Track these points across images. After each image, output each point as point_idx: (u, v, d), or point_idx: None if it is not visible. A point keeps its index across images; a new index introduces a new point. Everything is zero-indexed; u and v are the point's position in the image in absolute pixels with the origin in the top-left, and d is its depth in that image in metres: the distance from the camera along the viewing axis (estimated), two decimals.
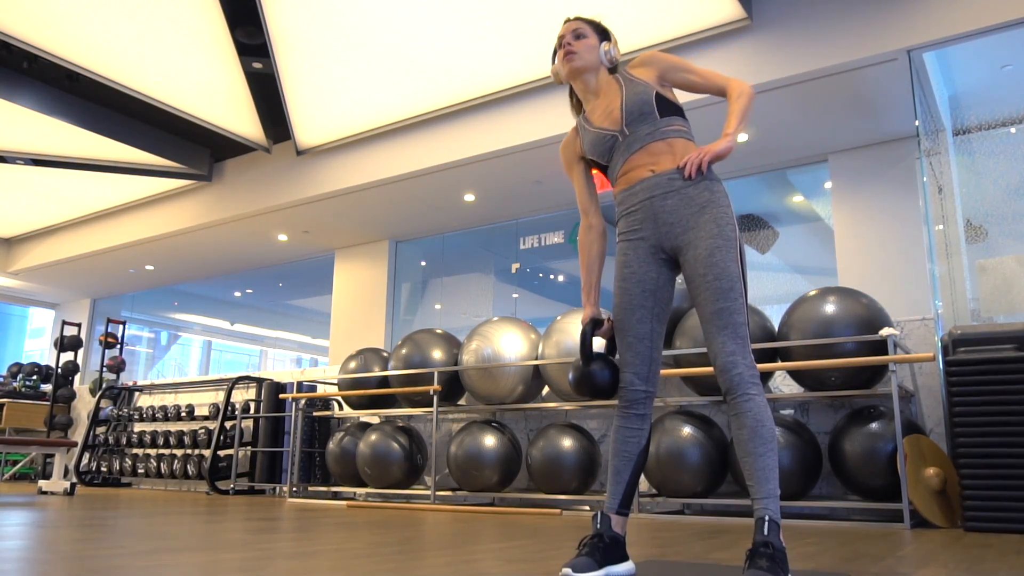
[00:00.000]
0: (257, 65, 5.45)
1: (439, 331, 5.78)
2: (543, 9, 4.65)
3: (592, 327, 2.07)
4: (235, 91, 5.80)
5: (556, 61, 2.20)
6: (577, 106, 2.27)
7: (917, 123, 4.45)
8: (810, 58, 4.35)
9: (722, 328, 1.86)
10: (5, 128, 6.25)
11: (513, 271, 7.11)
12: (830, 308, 4.13)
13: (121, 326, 9.07)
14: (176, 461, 7.20)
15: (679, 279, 2.07)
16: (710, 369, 4.03)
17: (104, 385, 8.75)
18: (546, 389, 5.50)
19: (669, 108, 2.05)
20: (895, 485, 3.81)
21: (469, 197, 6.45)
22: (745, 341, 1.86)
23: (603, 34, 2.18)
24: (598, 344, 2.09)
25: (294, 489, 6.16)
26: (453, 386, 5.52)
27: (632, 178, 2.04)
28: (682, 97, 3.98)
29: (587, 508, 4.93)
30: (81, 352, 9.93)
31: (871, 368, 4.01)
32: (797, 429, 4.17)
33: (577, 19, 2.20)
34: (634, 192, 2.03)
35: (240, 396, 7.50)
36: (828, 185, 5.45)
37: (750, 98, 2.01)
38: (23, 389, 9.28)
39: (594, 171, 2.24)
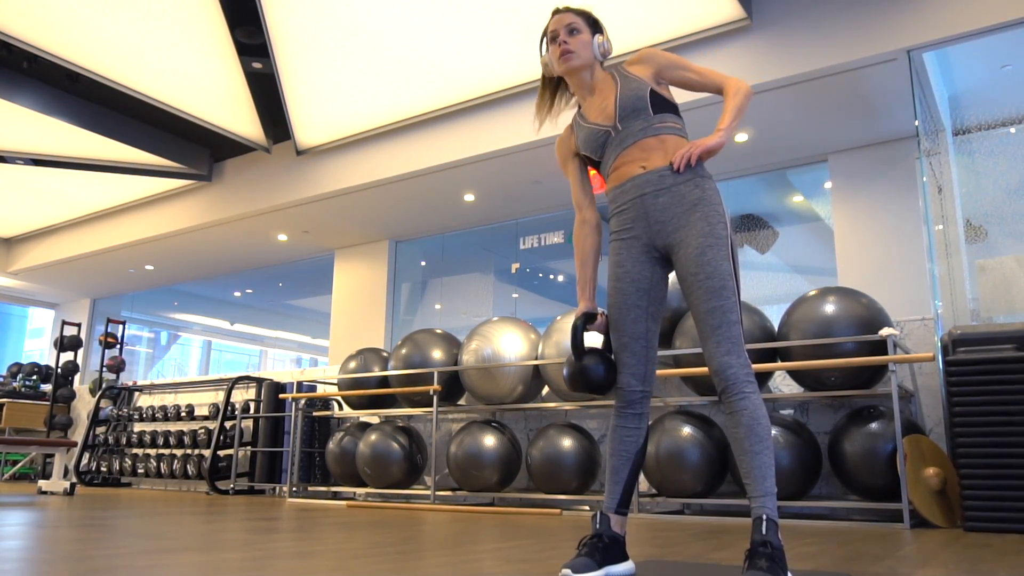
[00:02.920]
0: (257, 65, 5.45)
1: (439, 331, 5.78)
2: (543, 9, 4.65)
3: (584, 321, 2.05)
4: (235, 91, 5.80)
5: (547, 53, 2.17)
6: (549, 105, 2.24)
7: (917, 123, 4.45)
8: (810, 58, 4.35)
9: (715, 328, 1.86)
10: (5, 128, 6.25)
11: (513, 271, 7.11)
12: (830, 308, 4.13)
13: (121, 326, 9.07)
14: (176, 461, 7.20)
15: (673, 276, 2.06)
16: (708, 369, 4.02)
17: (104, 385, 8.75)
18: (546, 389, 5.50)
19: (663, 105, 2.05)
20: (895, 485, 3.81)
21: (469, 197, 6.45)
22: (739, 340, 1.86)
23: (594, 25, 2.15)
24: (594, 339, 2.08)
25: (294, 489, 6.16)
26: (453, 386, 5.52)
27: (623, 175, 2.04)
28: (680, 97, 3.98)
29: (587, 508, 4.93)
30: (81, 352, 9.93)
31: (871, 368, 4.01)
32: (797, 429, 4.17)
33: (568, 11, 2.15)
34: (625, 190, 2.03)
35: (240, 396, 7.50)
36: (828, 185, 5.45)
37: (746, 96, 2.00)
38: (23, 389, 9.28)
39: (592, 171, 2.23)
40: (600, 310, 2.10)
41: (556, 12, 2.16)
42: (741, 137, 5.23)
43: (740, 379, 1.84)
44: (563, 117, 2.31)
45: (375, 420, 6.32)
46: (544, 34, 2.17)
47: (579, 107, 2.21)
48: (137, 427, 8.32)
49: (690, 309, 1.94)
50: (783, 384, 4.74)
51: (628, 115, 2.03)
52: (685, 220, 1.94)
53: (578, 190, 2.20)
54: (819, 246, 5.81)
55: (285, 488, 6.56)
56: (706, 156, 1.92)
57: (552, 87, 2.26)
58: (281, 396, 6.47)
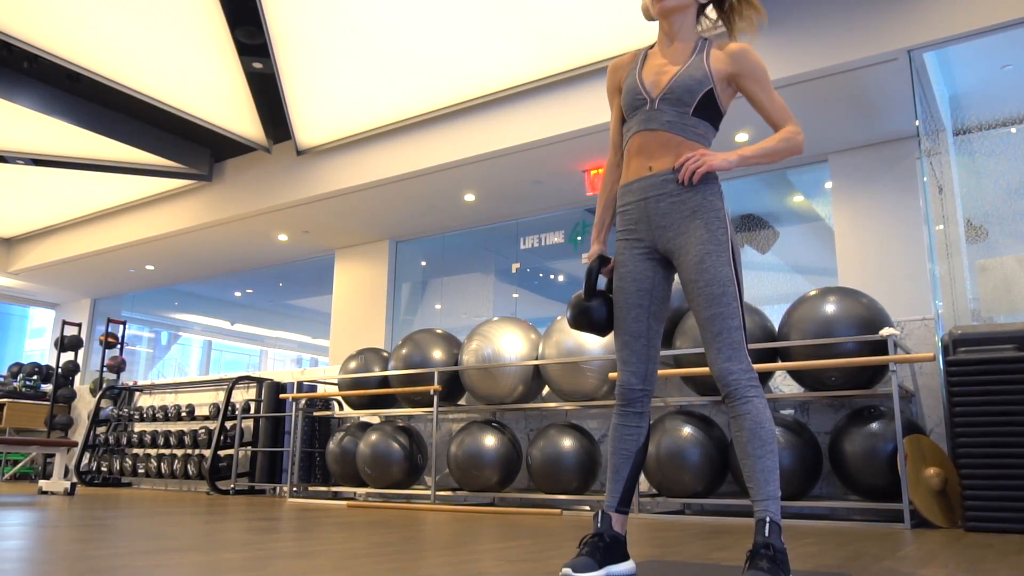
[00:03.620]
0: (257, 65, 5.45)
1: (439, 331, 5.78)
2: (543, 9, 4.65)
3: (599, 264, 2.09)
4: (235, 91, 5.80)
5: None
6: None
7: (917, 123, 4.44)
8: (810, 58, 4.35)
9: (717, 334, 1.86)
10: (5, 128, 6.25)
11: (513, 271, 7.11)
12: (830, 308, 4.13)
13: (121, 326, 9.07)
14: (176, 461, 7.20)
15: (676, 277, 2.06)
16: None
17: (104, 385, 8.75)
18: (546, 389, 5.50)
19: (707, 111, 1.98)
20: (895, 485, 3.81)
21: (469, 197, 6.45)
22: (741, 345, 1.86)
23: None
24: (602, 283, 2.12)
25: (294, 489, 6.15)
26: (453, 386, 5.52)
27: (632, 172, 2.03)
28: None
29: (587, 508, 4.93)
30: (81, 352, 9.93)
31: (871, 368, 4.01)
32: (797, 429, 4.17)
33: None
34: (631, 190, 2.03)
35: (240, 396, 7.50)
36: (828, 185, 5.45)
37: (792, 147, 1.94)
38: (23, 389, 9.28)
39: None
40: (612, 255, 2.13)
41: None
42: (741, 137, 5.23)
43: (742, 384, 1.84)
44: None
45: (375, 420, 6.32)
46: None
47: (648, 49, 2.12)
48: (137, 427, 8.32)
49: (693, 314, 1.94)
50: (783, 384, 4.74)
51: (671, 99, 1.97)
52: (685, 227, 1.94)
53: (616, 128, 2.17)
54: (819, 246, 5.80)
55: (285, 488, 6.56)
56: (711, 170, 1.91)
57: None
58: (281, 396, 6.47)
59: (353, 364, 6.05)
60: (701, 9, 2.09)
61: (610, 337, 4.52)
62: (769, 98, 1.99)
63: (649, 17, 2.11)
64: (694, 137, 1.98)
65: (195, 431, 7.25)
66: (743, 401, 1.83)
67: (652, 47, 2.12)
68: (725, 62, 1.99)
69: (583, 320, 2.05)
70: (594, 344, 4.82)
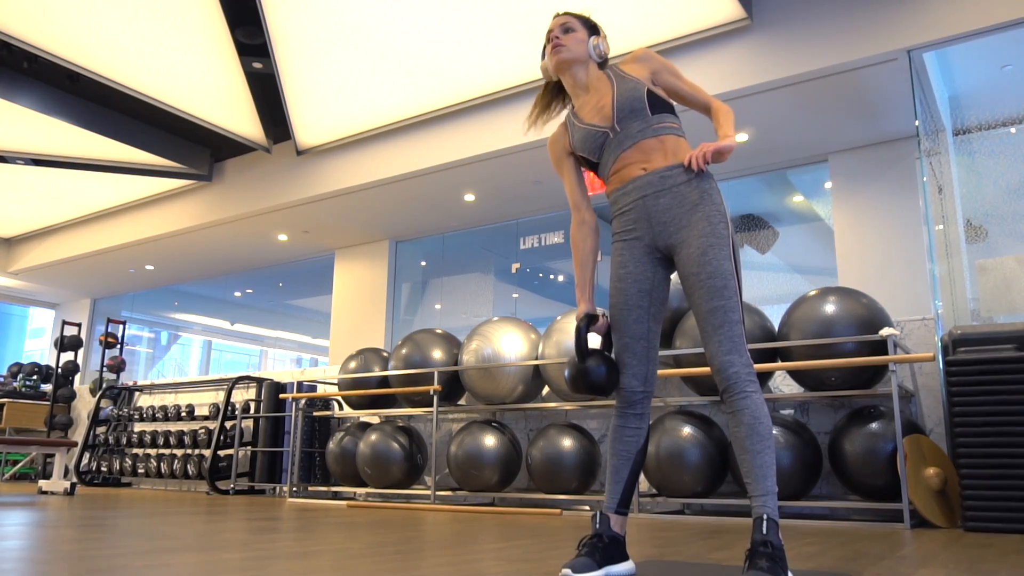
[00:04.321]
0: (257, 65, 5.45)
1: (439, 331, 5.78)
2: (542, 10, 4.65)
3: (587, 323, 2.04)
4: (235, 91, 5.80)
5: (545, 56, 2.19)
6: (545, 105, 2.26)
7: (917, 123, 4.44)
8: (810, 58, 4.35)
9: (717, 327, 1.86)
10: (5, 128, 6.26)
11: (513, 271, 7.11)
12: (830, 308, 4.13)
13: (121, 326, 9.07)
14: (176, 461, 7.20)
15: (674, 277, 2.07)
16: (709, 368, 4.03)
17: (104, 385, 8.75)
18: (546, 389, 5.50)
19: (661, 105, 2.05)
20: (895, 485, 3.81)
21: (469, 197, 6.45)
22: (740, 339, 1.86)
23: (592, 29, 2.17)
24: (594, 340, 2.08)
25: (294, 489, 6.16)
26: (453, 386, 5.52)
27: (624, 176, 2.04)
28: None
29: (587, 508, 4.93)
30: (81, 352, 9.93)
31: (871, 368, 4.01)
32: (797, 429, 4.17)
33: (566, 14, 2.19)
34: (627, 191, 2.03)
35: (240, 396, 7.50)
36: (828, 185, 5.45)
37: (732, 115, 2.04)
38: (23, 389, 9.28)
39: (586, 172, 2.23)
40: (601, 311, 2.10)
41: (556, 16, 2.20)
42: (741, 137, 5.23)
43: (742, 378, 1.84)
44: (553, 123, 2.31)
45: (375, 420, 6.32)
46: (545, 42, 2.19)
47: (572, 106, 2.20)
48: (137, 427, 8.32)
49: (692, 309, 1.94)
50: (783, 384, 4.74)
51: (626, 116, 2.03)
52: (687, 220, 1.94)
53: (575, 190, 2.19)
54: (819, 246, 5.81)
55: (285, 488, 6.56)
56: (718, 158, 1.92)
57: (549, 94, 2.27)
58: (281, 396, 6.47)
59: (353, 364, 6.05)
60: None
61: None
62: (688, 85, 2.13)
63: (549, 78, 2.23)
64: (669, 131, 2.03)
65: (195, 431, 7.25)
66: (742, 396, 1.83)
67: (572, 109, 2.19)
68: (639, 67, 2.10)
69: (581, 383, 1.98)
70: (595, 344, 4.81)
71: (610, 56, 2.19)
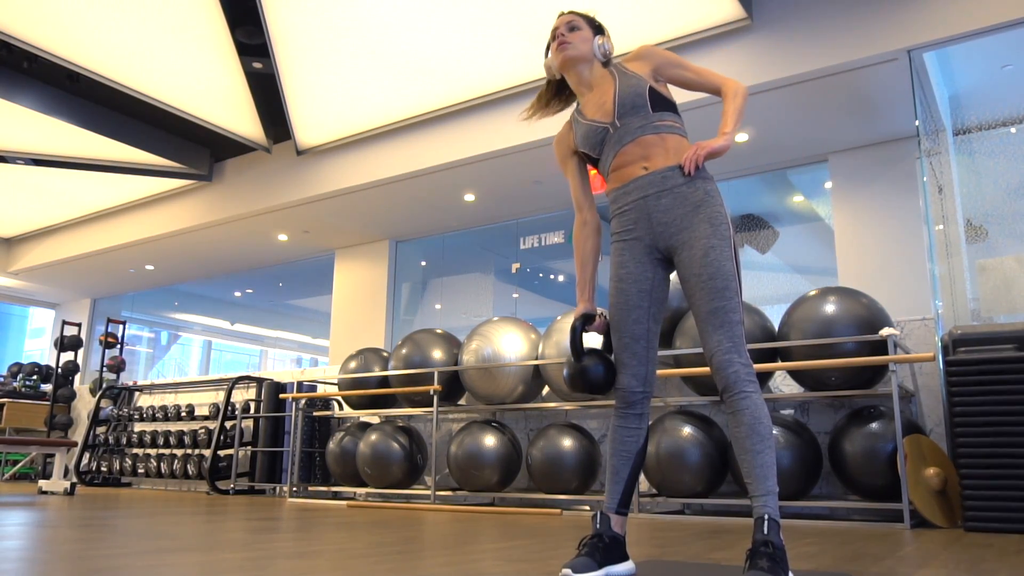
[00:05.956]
0: (257, 65, 5.45)
1: (439, 331, 5.78)
2: (543, 9, 4.65)
3: (583, 323, 2.05)
4: (235, 91, 5.80)
5: (549, 54, 2.19)
6: (544, 103, 2.27)
7: (917, 123, 4.44)
8: (810, 58, 4.35)
9: (718, 327, 1.86)
10: (5, 128, 6.25)
11: (513, 271, 7.11)
12: (830, 308, 4.13)
13: (121, 326, 9.07)
14: (176, 461, 7.20)
15: (673, 277, 2.07)
16: (709, 368, 4.03)
17: (104, 385, 8.75)
18: (546, 389, 5.50)
19: (662, 103, 2.05)
20: (895, 485, 3.81)
21: (469, 197, 6.45)
22: (741, 339, 1.86)
23: (597, 28, 2.18)
24: (593, 340, 2.09)
25: (294, 489, 6.15)
26: (453, 386, 5.52)
27: (624, 176, 2.04)
28: (680, 96, 3.97)
29: (587, 508, 4.93)
30: (81, 352, 9.93)
31: (871, 368, 4.01)
32: (797, 429, 4.17)
33: (571, 12, 2.20)
34: (627, 191, 2.03)
35: (240, 396, 7.50)
36: (828, 185, 5.45)
37: (744, 97, 2.01)
38: (23, 389, 9.28)
39: (592, 171, 2.24)
40: (599, 311, 2.10)
41: (560, 15, 2.20)
42: (741, 137, 5.22)
43: (742, 378, 1.83)
44: (556, 119, 2.32)
45: (375, 420, 6.32)
46: (549, 40, 2.20)
47: (577, 104, 2.21)
48: (137, 427, 8.32)
49: (692, 309, 1.94)
50: (783, 384, 4.74)
51: (627, 111, 2.03)
52: (688, 222, 1.94)
53: (578, 190, 2.20)
54: (819, 246, 5.80)
55: (285, 488, 6.56)
56: (711, 157, 1.93)
57: (550, 93, 2.28)
58: (281, 396, 6.47)
59: (353, 364, 6.05)
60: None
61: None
62: (695, 72, 2.10)
63: (552, 76, 2.23)
64: (670, 130, 2.03)
65: (195, 431, 7.25)
66: (742, 396, 1.83)
67: (577, 107, 2.20)
68: (641, 64, 2.10)
69: (579, 382, 1.99)
70: (596, 343, 4.82)
71: (614, 56, 2.19)
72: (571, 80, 2.17)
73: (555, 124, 5.17)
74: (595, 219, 2.18)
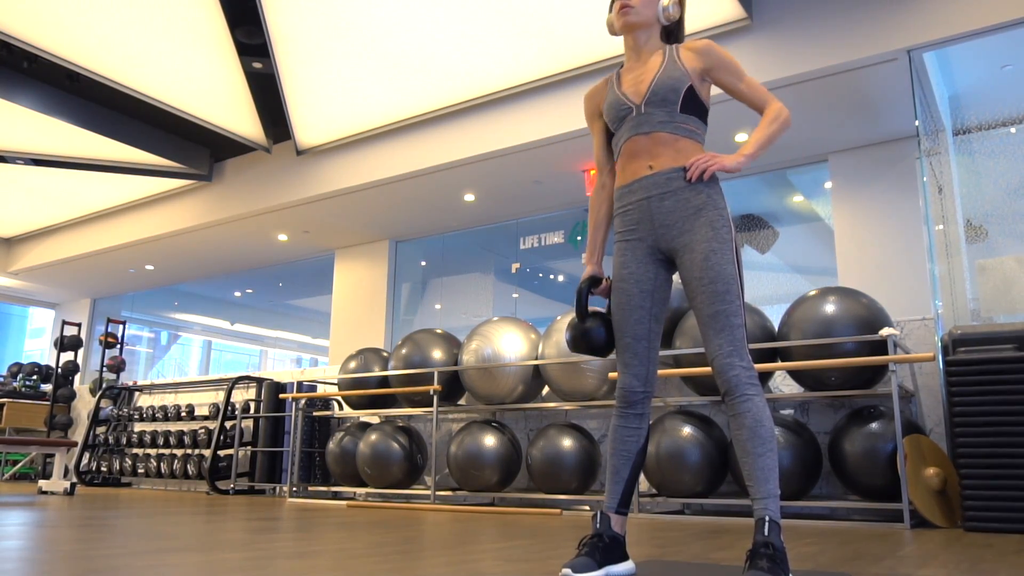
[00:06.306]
0: (257, 65, 5.45)
1: (439, 331, 5.78)
2: (543, 9, 4.65)
3: (589, 285, 2.09)
4: (235, 91, 5.80)
5: (612, 10, 2.10)
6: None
7: (917, 123, 4.45)
8: (810, 58, 4.35)
9: (719, 331, 1.86)
10: (5, 128, 6.25)
11: (513, 271, 7.11)
12: (830, 308, 4.13)
13: (121, 326, 9.07)
14: (176, 461, 7.20)
15: (675, 277, 2.07)
16: (710, 369, 4.03)
17: (104, 385, 8.75)
18: (546, 389, 5.50)
19: (693, 105, 2.01)
20: (895, 485, 3.81)
21: (469, 197, 6.45)
22: (742, 342, 1.86)
23: None
24: (597, 304, 2.13)
25: (294, 489, 6.15)
26: (453, 386, 5.52)
27: (630, 173, 2.03)
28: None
29: (587, 508, 4.93)
30: (81, 352, 9.93)
31: (871, 368, 4.01)
32: (797, 429, 4.17)
33: None
34: (632, 190, 2.03)
35: (240, 396, 7.50)
36: (828, 185, 5.45)
37: (784, 124, 1.98)
38: (23, 389, 9.28)
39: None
40: (606, 276, 2.12)
41: None
42: (741, 137, 5.23)
43: (743, 381, 1.84)
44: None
45: (375, 420, 6.32)
46: None
47: (619, 68, 2.16)
48: (137, 427, 8.32)
49: (694, 312, 1.94)
50: (783, 384, 4.74)
51: (656, 101, 2.00)
52: (690, 224, 1.94)
53: (601, 149, 2.20)
54: (819, 246, 5.80)
55: (285, 488, 6.56)
56: (722, 171, 1.93)
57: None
58: (281, 396, 6.47)
59: (353, 364, 6.05)
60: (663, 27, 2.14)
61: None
62: (746, 84, 2.05)
63: (613, 32, 2.15)
64: (688, 134, 2.01)
65: (195, 431, 7.25)
66: (744, 399, 1.83)
67: (621, 67, 2.16)
68: (695, 59, 2.03)
69: (581, 343, 2.05)
70: (593, 303, 4.81)
71: (676, 16, 2.09)
72: (626, 43, 2.12)
73: (554, 124, 5.19)
74: (613, 184, 2.17)
